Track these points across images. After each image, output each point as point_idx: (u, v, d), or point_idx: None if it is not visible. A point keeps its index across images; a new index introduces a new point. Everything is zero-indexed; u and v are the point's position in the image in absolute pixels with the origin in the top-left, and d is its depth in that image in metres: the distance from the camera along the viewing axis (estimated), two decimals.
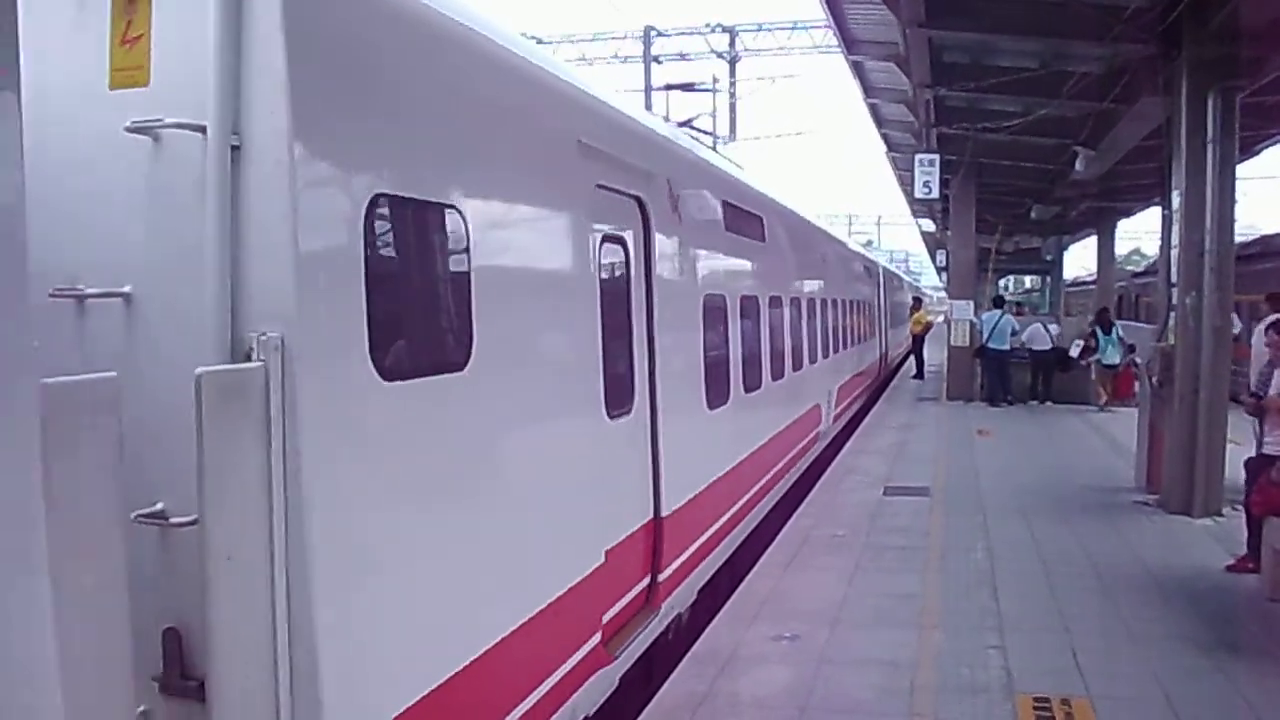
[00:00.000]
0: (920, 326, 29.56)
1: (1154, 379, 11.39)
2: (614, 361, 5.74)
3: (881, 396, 23.83)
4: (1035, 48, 14.18)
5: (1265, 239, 23.64)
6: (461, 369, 4.03)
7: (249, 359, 3.04)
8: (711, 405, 7.87)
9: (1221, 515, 10.26)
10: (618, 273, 6.03)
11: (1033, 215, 29.14)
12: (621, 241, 6.08)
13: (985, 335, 20.60)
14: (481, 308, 4.15)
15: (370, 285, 3.45)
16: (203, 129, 3.07)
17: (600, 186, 5.65)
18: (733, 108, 26.30)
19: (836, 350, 16.10)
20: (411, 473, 3.71)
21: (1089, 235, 36.37)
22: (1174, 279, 10.79)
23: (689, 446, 7.08)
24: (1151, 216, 25.82)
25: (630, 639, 5.93)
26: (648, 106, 21.15)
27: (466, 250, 4.11)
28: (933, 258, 51.76)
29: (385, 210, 3.61)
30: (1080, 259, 53.74)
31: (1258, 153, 19.17)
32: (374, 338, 3.46)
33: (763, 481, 10.02)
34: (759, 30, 26.80)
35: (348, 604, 3.31)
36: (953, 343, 22.30)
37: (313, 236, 3.22)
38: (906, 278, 51.58)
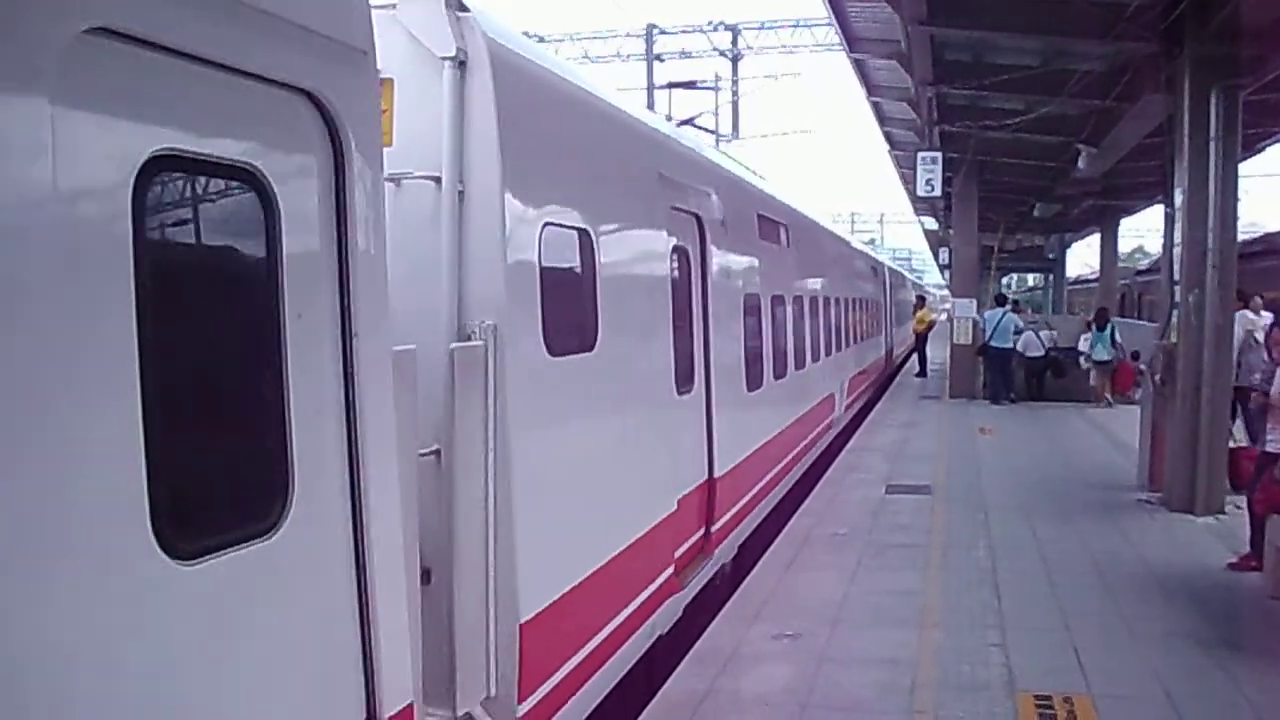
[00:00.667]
0: (923, 325, 29.55)
1: (1156, 377, 11.37)
2: (680, 348, 7.06)
3: (887, 391, 24.22)
4: (1037, 45, 14.17)
5: (1268, 237, 23.59)
6: (591, 350, 5.43)
7: (469, 340, 4.31)
8: (750, 389, 9.25)
9: (1224, 513, 10.24)
10: (681, 276, 7.32)
11: (1035, 213, 29.11)
12: (685, 252, 7.41)
13: (988, 333, 20.59)
14: (603, 305, 5.55)
15: (543, 288, 4.80)
16: (437, 179, 4.36)
17: (673, 208, 7.02)
18: (735, 106, 26.29)
19: (848, 345, 17.53)
20: (565, 423, 5.16)
21: (1092, 233, 36.32)
22: (1177, 277, 10.78)
23: (733, 421, 8.38)
24: (1155, 214, 25.78)
25: (692, 576, 7.29)
26: (650, 105, 21.15)
27: (594, 262, 5.51)
28: (935, 256, 51.70)
29: (550, 235, 4.95)
30: (1083, 257, 53.70)
31: (1260, 150, 19.14)
32: (545, 326, 4.82)
33: (787, 459, 11.30)
34: (761, 28, 26.76)
35: (534, 511, 4.61)
36: (955, 341, 22.29)
37: (513, 254, 4.58)
38: (909, 276, 51.58)
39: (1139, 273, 38.19)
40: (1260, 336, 10.95)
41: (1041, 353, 20.87)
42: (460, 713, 4.22)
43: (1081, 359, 20.28)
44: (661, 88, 23.98)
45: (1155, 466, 11.46)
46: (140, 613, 2.32)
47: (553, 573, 4.91)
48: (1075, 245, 43.31)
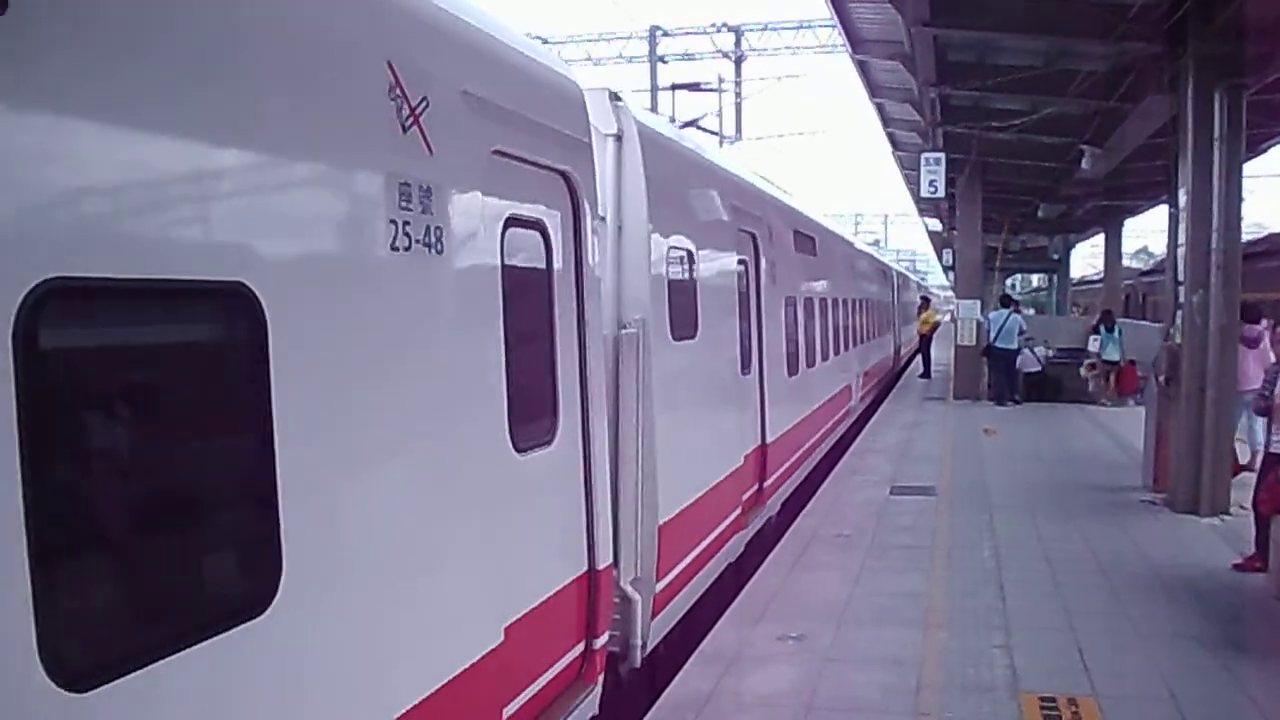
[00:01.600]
0: (928, 326, 29.48)
1: (1161, 378, 11.35)
2: (743, 338, 8.91)
3: (893, 389, 24.67)
4: (1040, 46, 14.16)
5: (1272, 237, 23.56)
6: (694, 338, 7.34)
7: (626, 328, 6.04)
8: (789, 375, 11.11)
9: (1228, 514, 10.23)
10: (744, 283, 9.10)
11: (1039, 214, 29.05)
12: (745, 263, 9.18)
13: (993, 335, 20.52)
14: (701, 305, 7.48)
15: (669, 293, 6.78)
16: (604, 218, 5.90)
17: (740, 230, 8.93)
18: (738, 107, 26.27)
19: (861, 342, 19.37)
20: (682, 389, 7.09)
21: (1096, 234, 36.26)
22: (1181, 277, 10.76)
23: (778, 400, 10.21)
24: (1160, 214, 25.76)
25: (752, 519, 9.15)
26: (653, 107, 21.16)
27: (694, 273, 7.48)
28: (939, 257, 51.60)
29: (672, 255, 6.97)
30: (1088, 257, 53.62)
31: (1264, 151, 19.11)
32: (670, 319, 6.76)
33: (815, 437, 13.14)
34: (765, 30, 26.77)
35: (666, 447, 6.40)
36: (959, 342, 22.25)
37: (653, 270, 6.48)
38: (913, 277, 51.55)
39: (1143, 273, 38.16)
40: None
41: (1038, 368, 20.89)
42: (620, 585, 5.84)
43: (1083, 369, 20.30)
44: (665, 89, 24.01)
45: (1160, 467, 11.44)
46: (507, 477, 4.14)
47: (676, 493, 6.73)
48: (1079, 246, 43.26)
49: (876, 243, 57.12)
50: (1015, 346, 20.41)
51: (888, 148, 26.28)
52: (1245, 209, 10.64)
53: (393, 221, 3.32)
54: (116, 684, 2.30)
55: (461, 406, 3.81)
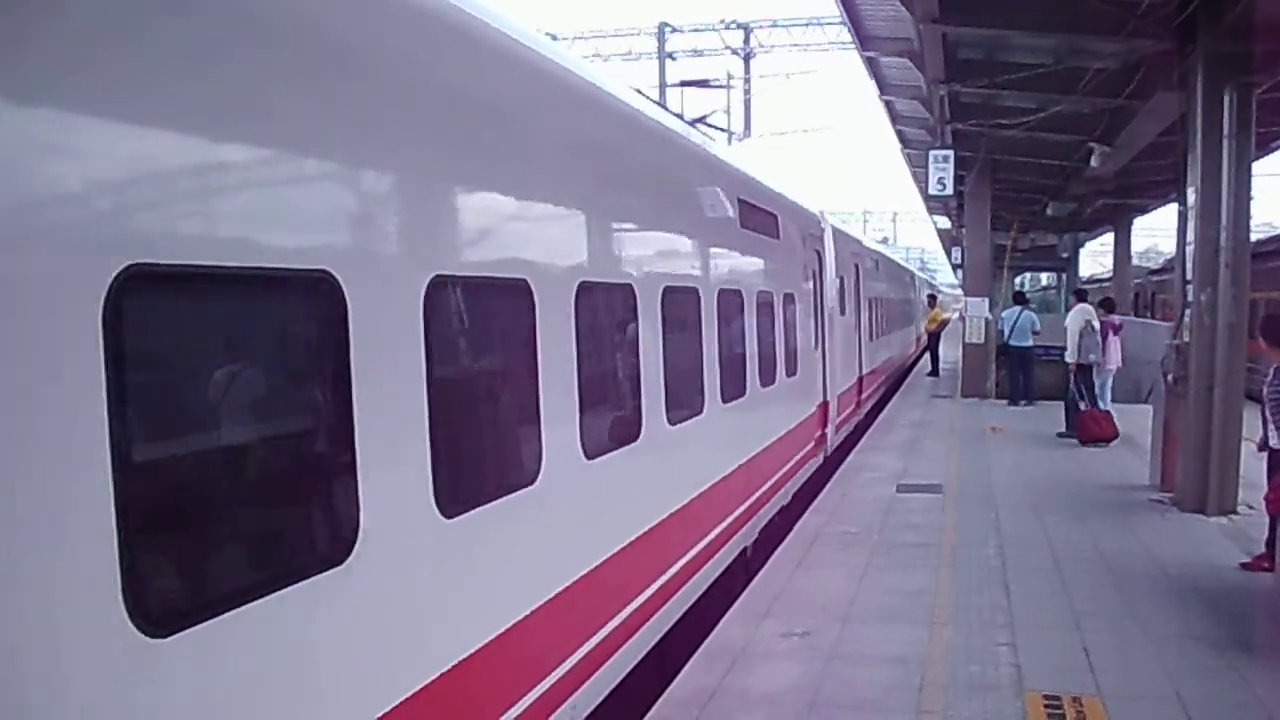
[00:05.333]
0: (935, 324, 29.31)
1: (1169, 376, 11.32)
2: (856, 317, 16.80)
3: (908, 375, 27.17)
4: (1050, 43, 14.10)
5: None
6: (845, 315, 15.40)
7: (828, 309, 13.84)
8: (870, 340, 18.58)
9: (1236, 513, 10.20)
10: (855, 288, 16.62)
11: (1049, 212, 28.94)
12: (853, 279, 16.26)
13: (1007, 333, 20.26)
14: (846, 298, 15.49)
15: (839, 293, 14.73)
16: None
17: (853, 264, 16.81)
18: (747, 104, 26.27)
19: (899, 329, 26.72)
20: (846, 339, 15.46)
21: (1105, 232, 36.13)
22: (1189, 276, 10.73)
23: (867, 351, 17.94)
24: (1169, 213, 25.61)
25: (857, 414, 16.85)
26: (662, 103, 21.11)
27: (843, 285, 15.16)
28: (948, 254, 51.46)
29: (839, 277, 14.74)
30: (1097, 255, 53.42)
31: (1274, 149, 18.98)
32: (840, 306, 14.83)
33: (877, 382, 20.54)
34: (774, 26, 26.80)
35: (839, 360, 14.42)
36: (967, 340, 22.14)
37: (836, 285, 14.45)
38: (922, 275, 51.51)
39: (1152, 272, 38.03)
40: (1096, 324, 15.57)
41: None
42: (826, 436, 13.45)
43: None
44: (673, 86, 24.01)
45: (1167, 466, 11.42)
46: (815, 358, 12.37)
47: (840, 383, 14.18)
48: (1089, 244, 43.10)
49: (885, 240, 57.01)
50: (1029, 344, 20.14)
51: (896, 145, 26.22)
52: (1254, 208, 10.59)
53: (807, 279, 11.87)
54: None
55: (811, 332, 11.79)
